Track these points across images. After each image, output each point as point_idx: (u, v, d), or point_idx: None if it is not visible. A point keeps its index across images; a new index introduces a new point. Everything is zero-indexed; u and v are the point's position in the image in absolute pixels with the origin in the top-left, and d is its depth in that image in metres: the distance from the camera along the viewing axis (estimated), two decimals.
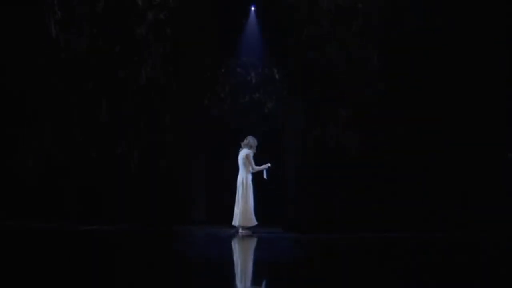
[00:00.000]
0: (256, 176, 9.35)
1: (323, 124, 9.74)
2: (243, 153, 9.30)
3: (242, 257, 7.13)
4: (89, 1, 9.95)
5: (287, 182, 10.53)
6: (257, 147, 9.34)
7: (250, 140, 9.34)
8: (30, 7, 9.94)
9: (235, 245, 8.20)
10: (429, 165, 9.47)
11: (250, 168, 9.23)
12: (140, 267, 5.67)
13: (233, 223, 9.27)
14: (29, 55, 9.91)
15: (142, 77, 10.14)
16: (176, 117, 10.72)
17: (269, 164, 9.30)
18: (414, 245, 8.28)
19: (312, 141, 9.76)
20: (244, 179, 9.21)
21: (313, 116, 9.79)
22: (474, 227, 8.98)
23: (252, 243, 8.41)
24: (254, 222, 9.15)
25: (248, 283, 4.97)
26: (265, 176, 9.30)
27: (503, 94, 9.54)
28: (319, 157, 9.67)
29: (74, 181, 9.83)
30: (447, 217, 9.24)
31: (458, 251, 7.58)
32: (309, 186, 9.76)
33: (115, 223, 9.46)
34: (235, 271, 5.75)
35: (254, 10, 11.52)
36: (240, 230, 9.21)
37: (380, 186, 9.41)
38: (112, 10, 9.99)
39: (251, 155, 9.26)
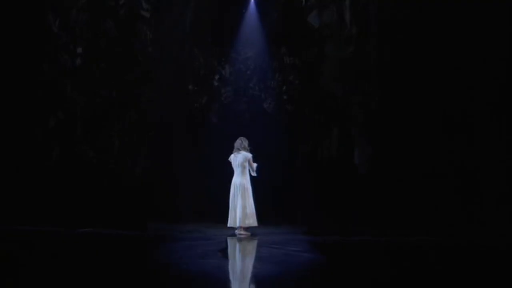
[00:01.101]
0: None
1: (320, 131, 9.65)
2: (244, 156, 9.23)
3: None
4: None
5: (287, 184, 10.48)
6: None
7: (244, 142, 9.31)
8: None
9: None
10: (429, 170, 9.31)
11: (251, 170, 9.27)
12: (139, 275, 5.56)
13: (229, 225, 9.20)
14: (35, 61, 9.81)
15: (136, 71, 9.95)
16: (170, 113, 10.58)
17: (256, 164, 9.32)
18: (414, 249, 8.25)
19: (311, 146, 9.70)
20: (244, 180, 9.19)
21: (310, 123, 9.76)
22: (478, 230, 8.84)
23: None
24: (256, 223, 9.17)
25: None
26: (254, 174, 9.33)
27: (503, 96, 9.35)
28: (315, 162, 9.63)
29: (70, 182, 9.60)
30: (449, 219, 9.07)
31: (465, 255, 7.65)
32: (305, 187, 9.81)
33: (108, 226, 9.23)
34: None
35: (254, 1, 11.36)
36: (238, 231, 9.17)
37: (380, 191, 9.26)
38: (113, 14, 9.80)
39: (251, 157, 9.25)
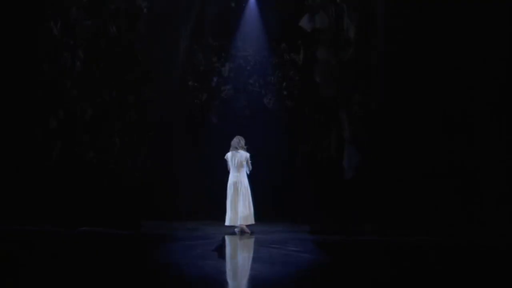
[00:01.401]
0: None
1: (319, 131, 9.66)
2: (244, 155, 9.27)
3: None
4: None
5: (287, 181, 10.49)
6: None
7: (241, 141, 9.34)
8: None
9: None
10: (429, 170, 9.30)
11: (247, 169, 9.31)
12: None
13: (228, 224, 9.25)
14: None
15: (136, 71, 9.96)
16: (170, 113, 10.57)
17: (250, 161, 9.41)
18: (414, 249, 8.21)
19: (309, 147, 9.73)
20: (244, 179, 9.26)
21: (307, 125, 9.80)
22: (478, 230, 8.83)
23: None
24: (254, 220, 9.28)
25: None
26: (248, 172, 9.38)
27: (503, 96, 9.33)
28: (315, 162, 9.69)
29: (70, 182, 9.60)
30: (449, 219, 9.07)
31: (465, 255, 7.65)
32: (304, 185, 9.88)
33: (107, 226, 9.23)
34: None
35: None
36: (239, 230, 9.25)
37: (379, 191, 9.26)
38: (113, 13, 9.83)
39: (249, 156, 9.30)
